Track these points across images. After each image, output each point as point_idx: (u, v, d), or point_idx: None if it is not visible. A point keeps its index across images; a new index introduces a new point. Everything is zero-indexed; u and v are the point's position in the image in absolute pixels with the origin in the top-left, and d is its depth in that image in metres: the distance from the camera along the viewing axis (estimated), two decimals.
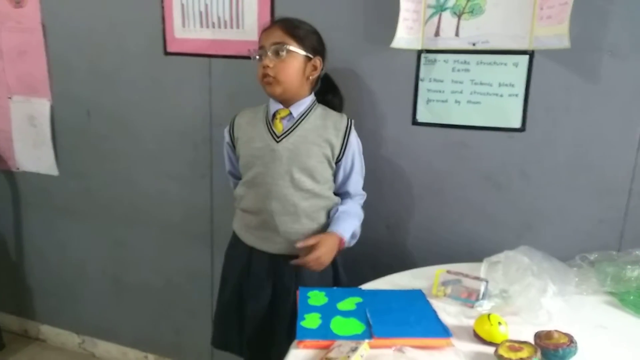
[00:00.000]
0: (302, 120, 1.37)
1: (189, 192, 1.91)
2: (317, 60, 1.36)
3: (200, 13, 1.71)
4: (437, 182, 1.55)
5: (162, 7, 1.76)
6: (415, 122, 1.53)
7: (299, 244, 1.30)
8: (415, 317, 1.09)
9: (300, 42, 1.32)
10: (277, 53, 1.30)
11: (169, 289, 2.06)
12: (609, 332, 1.11)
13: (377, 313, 1.09)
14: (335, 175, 1.41)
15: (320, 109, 1.40)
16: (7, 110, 2.14)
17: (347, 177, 1.42)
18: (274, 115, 1.38)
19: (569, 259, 1.35)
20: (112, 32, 1.87)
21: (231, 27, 1.68)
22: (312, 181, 1.36)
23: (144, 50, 1.84)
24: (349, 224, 1.37)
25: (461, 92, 1.47)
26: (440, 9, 1.44)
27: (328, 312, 1.10)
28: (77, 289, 2.25)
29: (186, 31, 1.75)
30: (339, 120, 1.39)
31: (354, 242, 1.43)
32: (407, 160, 1.57)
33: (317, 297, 1.18)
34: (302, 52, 1.32)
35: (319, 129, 1.36)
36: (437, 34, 1.46)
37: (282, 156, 1.34)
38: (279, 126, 1.37)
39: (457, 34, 1.43)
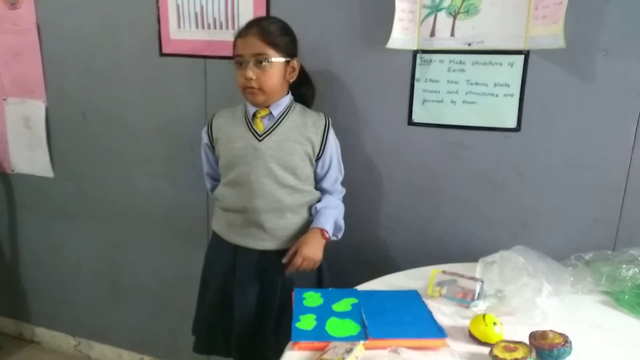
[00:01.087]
0: (283, 119, 1.39)
1: (184, 194, 1.90)
2: (295, 62, 1.38)
3: (196, 14, 1.71)
4: (433, 182, 1.55)
5: (158, 8, 1.75)
6: (411, 123, 1.53)
7: (284, 260, 1.34)
8: (410, 318, 1.09)
9: (280, 49, 1.32)
10: (259, 63, 1.31)
11: (164, 290, 2.05)
12: (604, 331, 1.11)
13: (373, 314, 1.09)
14: (316, 171, 1.44)
15: (298, 108, 1.43)
16: (1, 112, 2.13)
17: (324, 174, 1.44)
18: (254, 114, 1.39)
19: (564, 259, 1.35)
20: (107, 33, 1.87)
21: (227, 28, 1.68)
22: (294, 178, 1.38)
23: (140, 51, 1.83)
24: (327, 216, 1.41)
25: (457, 92, 1.47)
26: (435, 9, 1.44)
27: (323, 313, 1.10)
28: (73, 291, 2.24)
29: (182, 32, 1.75)
30: (317, 119, 1.42)
31: (340, 233, 1.46)
32: (403, 160, 1.57)
33: (312, 298, 1.17)
34: (282, 59, 1.34)
35: (300, 127, 1.39)
36: (432, 34, 1.45)
37: (265, 154, 1.36)
38: (260, 125, 1.39)
39: (452, 34, 1.43)
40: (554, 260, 1.30)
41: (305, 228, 1.42)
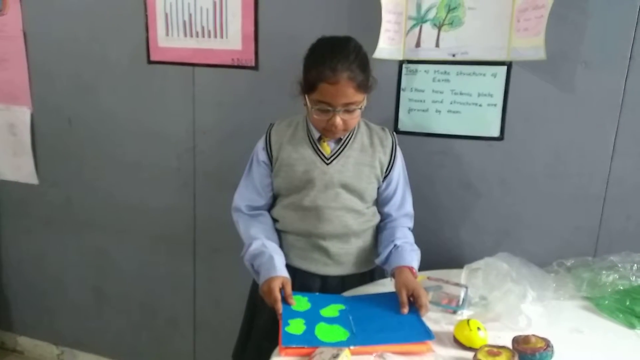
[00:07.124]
0: (350, 140, 1.32)
1: (171, 201, 1.90)
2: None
3: (184, 22, 1.72)
4: (418, 190, 1.56)
5: (146, 16, 1.76)
6: (397, 131, 1.55)
7: (403, 311, 1.14)
8: (398, 321, 1.10)
9: (366, 90, 1.22)
10: (348, 110, 1.21)
11: (150, 298, 2.04)
12: (585, 336, 1.13)
13: (361, 320, 1.10)
14: (379, 191, 1.36)
15: (363, 126, 1.35)
16: None
17: (390, 197, 1.37)
18: (320, 136, 1.31)
19: (547, 265, 1.38)
20: (94, 40, 1.87)
21: (215, 36, 1.69)
22: (361, 202, 1.33)
23: (127, 58, 1.83)
24: (410, 252, 1.30)
25: (442, 102, 1.50)
26: (420, 20, 1.47)
27: (312, 318, 1.11)
28: (56, 300, 2.21)
29: (170, 40, 1.75)
30: (383, 136, 1.35)
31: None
32: None
33: (300, 302, 1.17)
34: (366, 97, 1.24)
35: (368, 149, 1.32)
36: (418, 44, 1.48)
37: (334, 179, 1.29)
38: (327, 148, 1.31)
39: (437, 45, 1.47)
40: (536, 266, 1.32)
41: (368, 252, 1.37)
